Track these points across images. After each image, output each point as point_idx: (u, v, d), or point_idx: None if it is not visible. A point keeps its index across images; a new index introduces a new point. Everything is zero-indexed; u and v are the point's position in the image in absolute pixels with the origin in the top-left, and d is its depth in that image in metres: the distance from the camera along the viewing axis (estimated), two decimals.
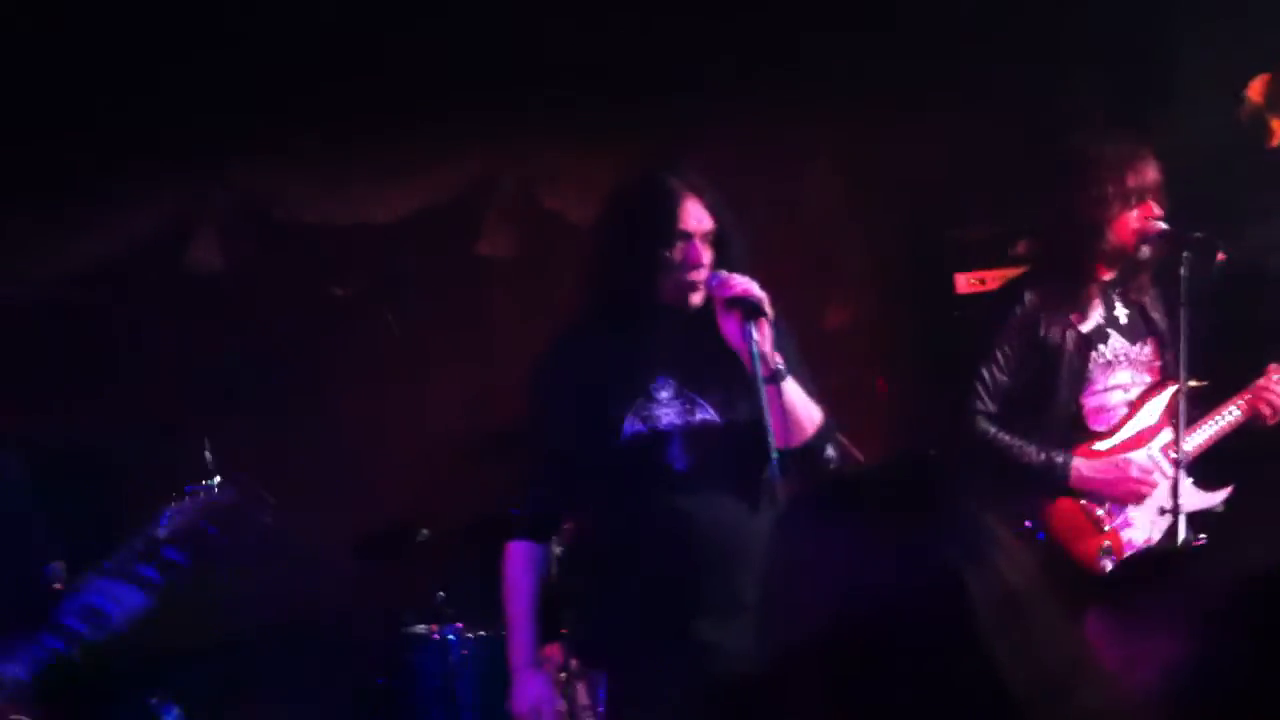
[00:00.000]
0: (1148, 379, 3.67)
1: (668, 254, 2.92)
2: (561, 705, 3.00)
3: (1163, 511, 3.49)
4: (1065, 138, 5.42)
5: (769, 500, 2.80)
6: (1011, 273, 4.88)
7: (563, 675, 4.24)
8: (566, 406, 3.00)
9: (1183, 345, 3.40)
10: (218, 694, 4.67)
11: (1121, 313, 3.66)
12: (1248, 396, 3.69)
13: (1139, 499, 3.51)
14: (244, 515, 3.77)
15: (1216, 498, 3.62)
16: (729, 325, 2.84)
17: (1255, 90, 5.09)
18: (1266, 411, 3.67)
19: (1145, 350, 3.67)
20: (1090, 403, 3.62)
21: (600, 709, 3.11)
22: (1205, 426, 3.66)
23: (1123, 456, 3.56)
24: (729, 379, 2.84)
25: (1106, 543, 3.48)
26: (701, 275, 2.90)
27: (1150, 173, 3.54)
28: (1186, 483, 3.56)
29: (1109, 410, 3.63)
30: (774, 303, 2.86)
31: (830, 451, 3.01)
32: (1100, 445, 3.59)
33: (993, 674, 1.26)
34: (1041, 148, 5.65)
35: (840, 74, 5.45)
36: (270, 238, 5.57)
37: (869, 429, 5.57)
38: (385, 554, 4.84)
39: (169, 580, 3.61)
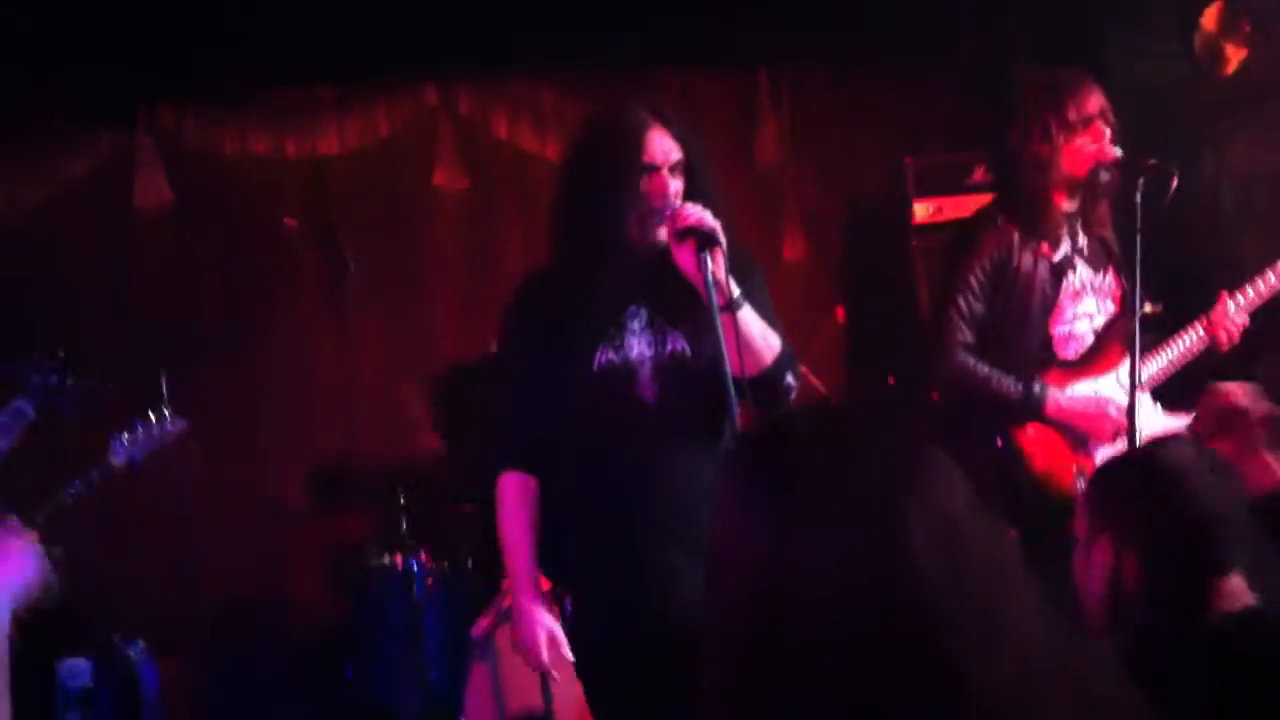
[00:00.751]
0: (1111, 307, 3.71)
1: (633, 186, 2.91)
2: (562, 635, 3.01)
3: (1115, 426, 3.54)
4: (1009, 70, 5.49)
5: (730, 430, 2.82)
6: (968, 199, 4.93)
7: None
8: (538, 339, 2.99)
9: (1138, 271, 3.43)
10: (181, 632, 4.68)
11: (1084, 243, 3.69)
12: (1204, 323, 3.74)
13: (1113, 437, 3.55)
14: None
15: (1181, 421, 3.68)
16: (683, 255, 2.84)
17: (1209, 18, 5.12)
18: (1223, 338, 3.73)
19: (1107, 279, 3.71)
20: (1059, 331, 3.65)
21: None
22: (1165, 352, 3.72)
23: (1102, 392, 3.60)
24: (699, 310, 2.84)
25: (1077, 465, 3.53)
26: (666, 207, 2.89)
27: (1092, 100, 3.56)
28: (1154, 407, 3.62)
29: (1077, 339, 3.67)
30: (729, 232, 2.86)
31: (790, 380, 3.02)
32: (1063, 373, 3.62)
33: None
34: (991, 78, 5.72)
35: (791, 5, 5.43)
36: (220, 171, 5.50)
37: (828, 359, 5.63)
38: (337, 488, 4.85)
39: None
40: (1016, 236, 3.59)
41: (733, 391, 2.74)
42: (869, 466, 1.28)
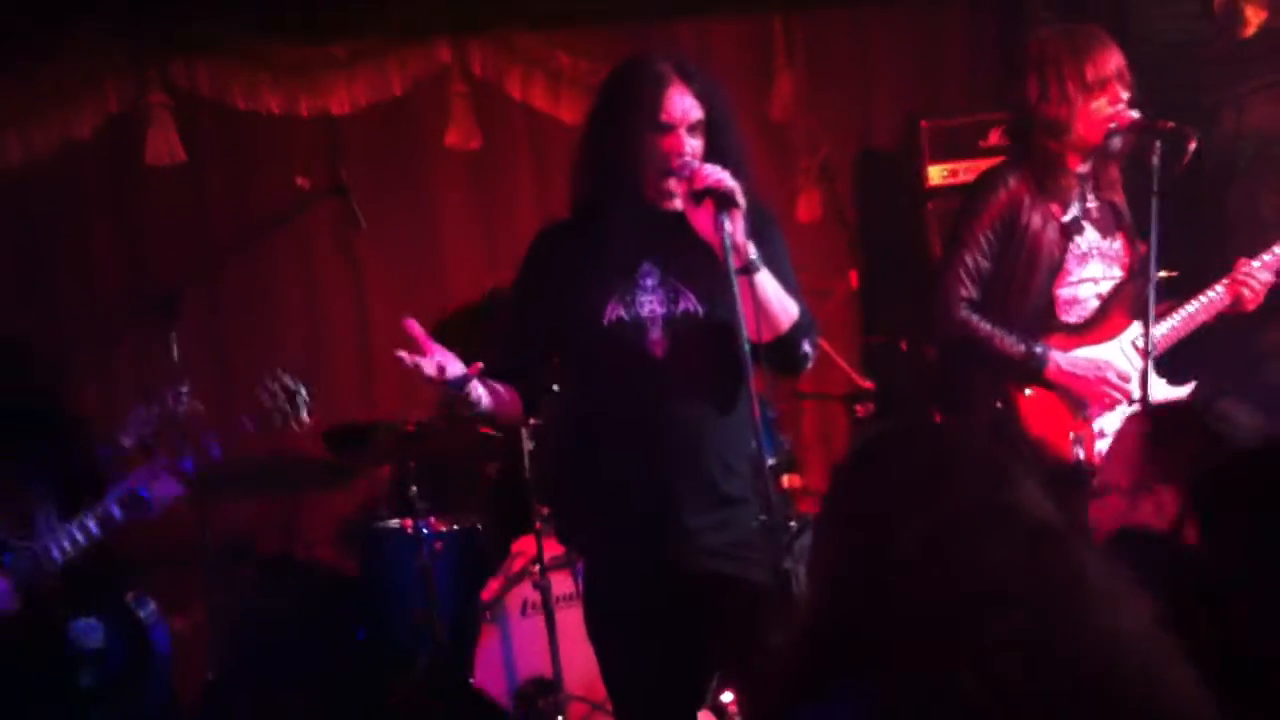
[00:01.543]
0: (1118, 273, 3.67)
1: (649, 144, 2.86)
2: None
3: (1131, 402, 3.50)
4: (1026, 31, 5.42)
5: (744, 394, 2.79)
6: (983, 163, 4.88)
7: (537, 568, 4.30)
8: (550, 286, 2.97)
9: (1153, 236, 3.39)
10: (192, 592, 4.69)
11: (1093, 205, 3.65)
12: (1226, 281, 3.69)
13: (1111, 404, 3.52)
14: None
15: (1182, 391, 3.65)
16: (701, 216, 2.80)
17: None
18: (1246, 296, 3.68)
19: (1116, 245, 3.67)
20: (1063, 294, 3.62)
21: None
22: (1180, 313, 3.67)
23: (1103, 358, 3.56)
24: (714, 271, 2.81)
25: (1075, 431, 3.49)
26: (683, 167, 2.85)
27: (1110, 61, 3.50)
28: (1154, 377, 3.58)
29: (1080, 302, 3.63)
30: (750, 194, 2.82)
31: (807, 348, 2.98)
32: (1066, 336, 3.59)
33: None
34: (1007, 39, 5.66)
35: None
36: (231, 129, 5.48)
37: (841, 323, 5.60)
38: (349, 448, 4.84)
39: (202, 471, 3.73)
40: (1027, 196, 3.55)
41: (748, 355, 2.72)
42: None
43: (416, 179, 5.64)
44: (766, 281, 2.83)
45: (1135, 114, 3.51)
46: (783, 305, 2.88)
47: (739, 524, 2.94)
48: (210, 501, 4.46)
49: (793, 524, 4.40)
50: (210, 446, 3.72)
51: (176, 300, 4.47)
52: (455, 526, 4.67)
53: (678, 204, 2.88)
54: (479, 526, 4.75)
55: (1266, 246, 3.73)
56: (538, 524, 4.26)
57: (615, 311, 2.92)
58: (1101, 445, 3.49)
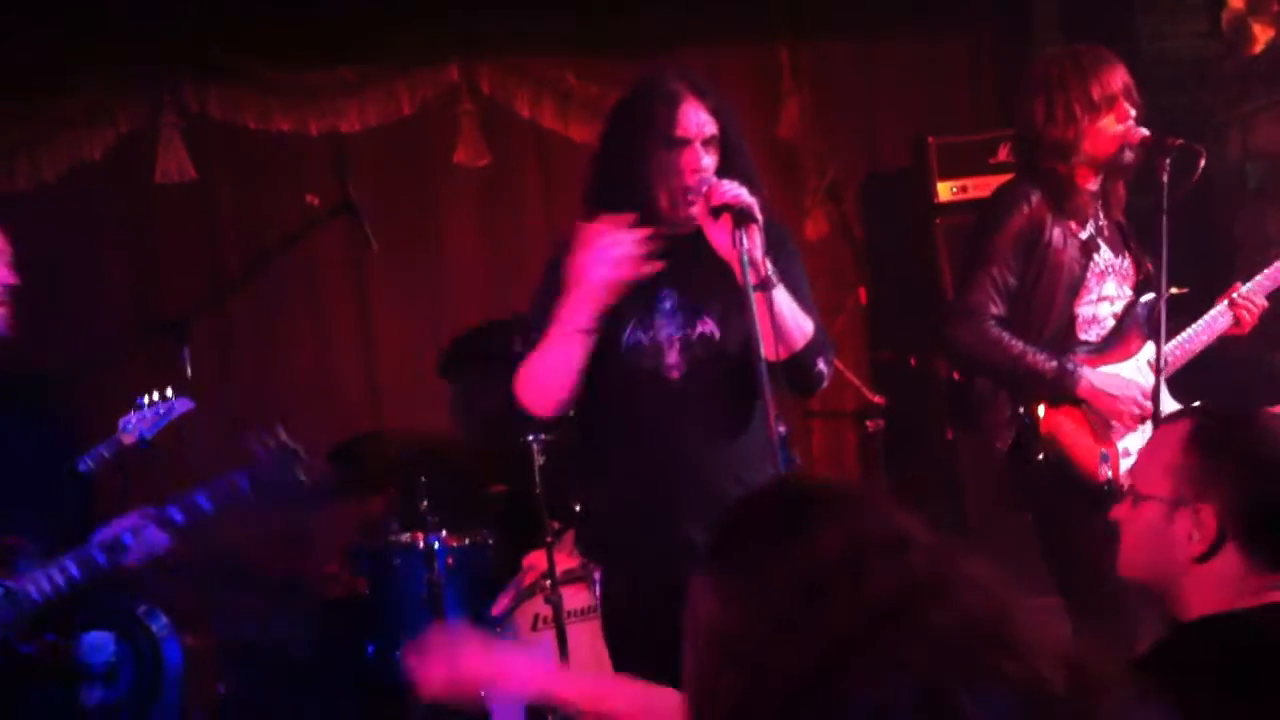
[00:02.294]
0: (1128, 292, 3.66)
1: (663, 160, 2.86)
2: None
3: (1140, 414, 3.49)
4: (1031, 52, 5.43)
5: (761, 412, 2.79)
6: (993, 180, 4.89)
7: (548, 583, 4.29)
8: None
9: (1164, 253, 3.38)
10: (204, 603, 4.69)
11: (1105, 224, 3.64)
12: (1225, 304, 3.69)
13: (1136, 423, 3.50)
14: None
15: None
16: (718, 232, 2.79)
17: None
18: (1245, 319, 3.68)
19: (1125, 263, 3.66)
20: (1082, 312, 3.59)
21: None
22: (1187, 333, 3.66)
23: (1127, 377, 3.55)
24: (731, 291, 2.80)
25: (1104, 450, 3.47)
26: (700, 183, 2.85)
27: (1116, 79, 3.49)
28: (1166, 394, 3.57)
29: (1099, 321, 3.60)
30: (766, 210, 2.82)
31: (821, 366, 2.98)
32: (1088, 355, 3.57)
33: None
34: (1011, 61, 5.68)
35: None
36: (242, 149, 5.51)
37: (850, 339, 5.61)
38: (358, 464, 4.85)
39: (192, 524, 3.65)
40: (1049, 212, 3.53)
41: (765, 374, 2.72)
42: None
43: (425, 197, 5.66)
44: (782, 299, 2.82)
45: (1144, 131, 3.50)
46: (798, 323, 2.88)
47: None
48: (218, 517, 4.46)
49: None
50: (200, 500, 3.64)
51: (188, 323, 4.50)
52: (466, 541, 4.66)
53: (693, 225, 2.87)
54: (490, 541, 4.75)
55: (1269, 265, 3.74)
56: (549, 538, 4.26)
57: (634, 335, 2.92)
58: (1127, 464, 3.48)
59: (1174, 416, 2.14)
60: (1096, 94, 3.46)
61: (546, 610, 4.31)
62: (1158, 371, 3.36)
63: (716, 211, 2.77)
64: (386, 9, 5.33)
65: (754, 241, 2.74)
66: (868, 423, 4.97)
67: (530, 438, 4.32)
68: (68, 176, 5.30)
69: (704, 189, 2.81)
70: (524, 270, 5.44)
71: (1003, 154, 5.22)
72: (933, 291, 5.36)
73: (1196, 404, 2.98)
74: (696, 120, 2.87)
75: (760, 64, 5.90)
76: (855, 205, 5.87)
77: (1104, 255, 3.60)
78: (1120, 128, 3.48)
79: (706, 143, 2.87)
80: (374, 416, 5.44)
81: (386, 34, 5.49)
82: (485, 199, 5.73)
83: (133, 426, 3.94)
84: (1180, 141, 3.43)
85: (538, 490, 4.33)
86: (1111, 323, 3.61)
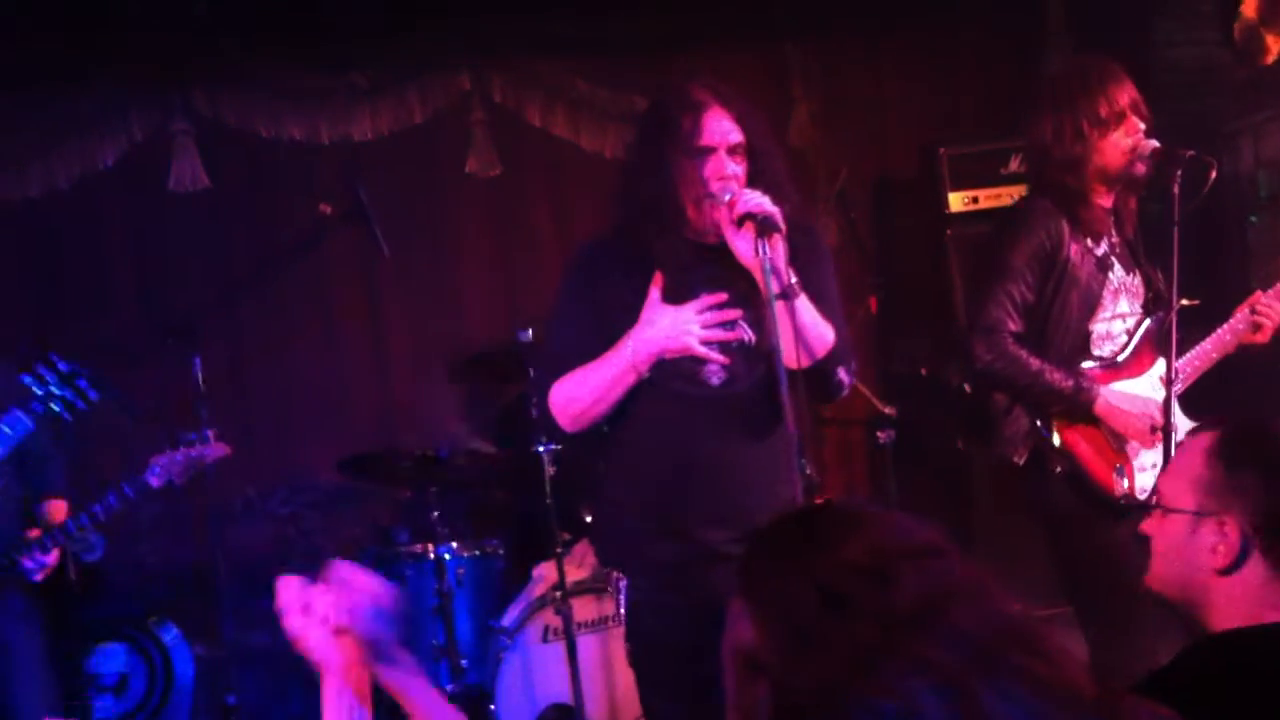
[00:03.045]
0: (1139, 309, 3.65)
1: (688, 169, 2.85)
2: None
3: (1154, 430, 3.48)
4: (1043, 56, 5.41)
5: (781, 419, 2.78)
6: (1004, 190, 4.87)
7: (558, 594, 4.29)
8: (605, 319, 2.93)
9: (1174, 265, 3.37)
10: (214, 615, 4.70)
11: (1116, 240, 3.63)
12: (1242, 314, 3.67)
13: (1151, 441, 3.49)
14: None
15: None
16: (741, 242, 2.80)
17: (1250, 6, 5.05)
18: (1267, 325, 3.65)
19: (1136, 280, 3.65)
20: (1097, 329, 3.58)
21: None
22: (1201, 346, 3.64)
23: (1142, 394, 3.54)
24: (760, 298, 2.80)
25: (1119, 464, 3.46)
26: (723, 190, 2.84)
27: (1123, 94, 3.47)
28: (1177, 410, 3.55)
29: (1112, 338, 3.59)
30: (793, 218, 2.81)
31: (842, 375, 2.98)
32: (1102, 372, 3.56)
33: None
34: (1024, 64, 5.66)
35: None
36: (254, 156, 5.51)
37: (861, 349, 5.59)
38: (368, 474, 4.86)
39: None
40: (1066, 227, 3.52)
41: (785, 381, 2.72)
42: None
43: (436, 205, 5.66)
44: (805, 308, 2.82)
45: (1154, 142, 3.49)
46: (819, 332, 2.88)
47: None
48: (227, 527, 4.48)
49: None
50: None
51: (199, 329, 4.51)
52: (476, 551, 4.67)
53: (721, 234, 2.87)
54: (500, 551, 4.75)
55: None
56: (559, 549, 4.26)
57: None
58: (1143, 479, 3.47)
59: (1197, 429, 2.12)
60: (1104, 111, 3.44)
61: (557, 621, 4.31)
62: (1169, 385, 3.35)
63: (740, 221, 2.78)
64: (398, 15, 5.33)
65: (777, 251, 2.74)
66: (878, 433, 4.96)
67: (540, 448, 4.33)
68: (80, 183, 5.31)
69: (727, 197, 2.81)
70: (535, 279, 5.46)
71: (1014, 165, 5.22)
72: (944, 302, 5.35)
73: (1218, 416, 2.97)
74: (720, 128, 2.87)
75: (770, 70, 5.89)
76: (864, 215, 5.85)
77: (1118, 271, 3.59)
78: (1129, 141, 3.47)
79: (732, 150, 2.88)
80: (385, 425, 5.44)
81: (398, 40, 5.49)
82: (496, 207, 5.73)
83: (161, 470, 3.87)
84: (1191, 153, 3.42)
85: (548, 501, 4.33)
86: (1124, 339, 3.60)
